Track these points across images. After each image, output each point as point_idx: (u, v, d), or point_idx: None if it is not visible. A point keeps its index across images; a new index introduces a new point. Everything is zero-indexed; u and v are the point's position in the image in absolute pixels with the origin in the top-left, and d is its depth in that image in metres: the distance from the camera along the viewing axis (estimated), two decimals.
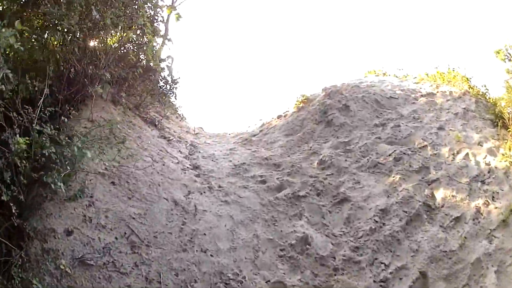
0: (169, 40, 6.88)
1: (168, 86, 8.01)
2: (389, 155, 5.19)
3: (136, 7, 5.83)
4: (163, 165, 5.09)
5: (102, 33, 5.45)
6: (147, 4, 6.18)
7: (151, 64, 6.45)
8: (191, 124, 8.74)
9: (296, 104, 7.41)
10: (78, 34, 4.90)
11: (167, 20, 7.29)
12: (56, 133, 4.09)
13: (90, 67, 5.10)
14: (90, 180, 4.37)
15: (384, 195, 4.53)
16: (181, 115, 8.11)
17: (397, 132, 5.85)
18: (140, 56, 6.40)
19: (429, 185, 4.71)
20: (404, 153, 5.18)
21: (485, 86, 6.90)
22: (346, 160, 5.16)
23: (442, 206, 4.44)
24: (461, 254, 3.91)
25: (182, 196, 4.62)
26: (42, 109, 4.14)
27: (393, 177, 4.80)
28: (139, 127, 5.75)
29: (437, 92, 7.04)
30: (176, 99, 8.97)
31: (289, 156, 5.63)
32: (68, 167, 4.02)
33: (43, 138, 3.93)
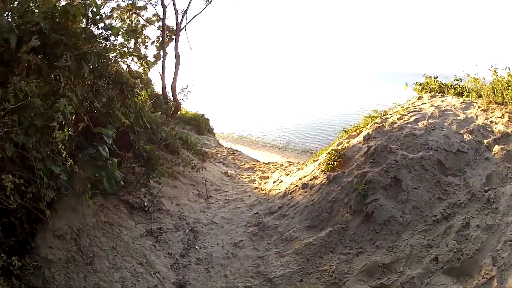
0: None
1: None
2: None
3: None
4: None
5: None
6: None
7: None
8: (211, 171, 7.53)
9: (328, 162, 5.59)
10: None
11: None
12: None
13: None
14: None
15: None
16: (196, 164, 6.89)
17: (463, 244, 3.72)
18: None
19: None
20: None
21: None
22: None
23: None
24: None
25: None
26: None
27: None
28: (118, 227, 4.73)
29: None
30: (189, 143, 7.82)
31: (301, 280, 4.06)
32: None
33: None
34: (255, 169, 8.84)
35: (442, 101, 7.01)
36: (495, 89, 6.00)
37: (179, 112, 15.65)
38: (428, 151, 4.91)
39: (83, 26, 3.63)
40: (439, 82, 8.41)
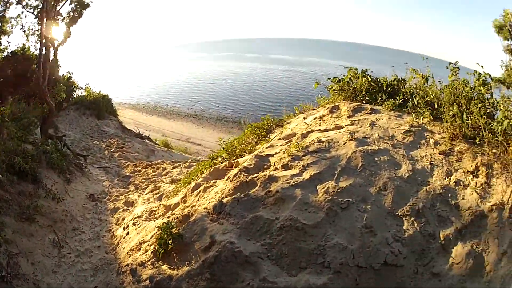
0: None
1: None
2: None
3: None
4: None
5: None
6: None
7: None
8: (75, 196, 6.67)
9: (160, 241, 3.79)
10: None
11: None
12: None
13: None
14: None
15: None
16: (55, 193, 5.93)
17: None
18: None
19: None
20: None
21: None
22: None
23: None
24: None
25: None
26: None
27: None
28: None
29: None
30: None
31: None
32: None
33: None
34: (131, 179, 8.22)
35: (373, 123, 4.35)
36: (463, 112, 3.69)
37: (83, 94, 13.80)
38: (320, 273, 2.69)
39: None
40: (369, 79, 5.29)
